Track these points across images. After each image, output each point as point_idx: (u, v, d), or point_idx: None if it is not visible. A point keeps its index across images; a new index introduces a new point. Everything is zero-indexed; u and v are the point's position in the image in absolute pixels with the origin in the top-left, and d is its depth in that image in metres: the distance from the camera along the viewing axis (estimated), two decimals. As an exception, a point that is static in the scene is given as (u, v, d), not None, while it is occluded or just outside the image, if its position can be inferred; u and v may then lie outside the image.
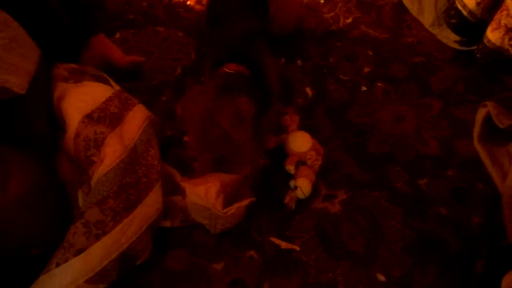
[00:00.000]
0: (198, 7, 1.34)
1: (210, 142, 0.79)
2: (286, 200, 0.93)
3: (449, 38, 1.23)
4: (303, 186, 0.91)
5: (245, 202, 0.85)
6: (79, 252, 0.74)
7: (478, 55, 1.11)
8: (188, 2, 1.36)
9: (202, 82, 1.13)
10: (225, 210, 0.82)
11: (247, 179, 0.90)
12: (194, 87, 0.82)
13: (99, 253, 0.74)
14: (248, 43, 0.91)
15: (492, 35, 1.03)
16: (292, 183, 0.94)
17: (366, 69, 1.20)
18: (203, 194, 0.81)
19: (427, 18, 1.28)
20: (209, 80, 0.86)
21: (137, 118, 0.91)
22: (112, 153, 0.81)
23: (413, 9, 1.32)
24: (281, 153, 0.98)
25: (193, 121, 0.79)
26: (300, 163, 0.95)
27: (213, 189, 0.81)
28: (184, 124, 0.82)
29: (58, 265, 0.73)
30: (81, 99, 0.88)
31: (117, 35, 1.27)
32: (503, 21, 1.00)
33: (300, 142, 0.96)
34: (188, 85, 0.84)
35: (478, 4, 1.06)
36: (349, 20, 1.32)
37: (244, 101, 0.77)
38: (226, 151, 0.82)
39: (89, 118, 0.85)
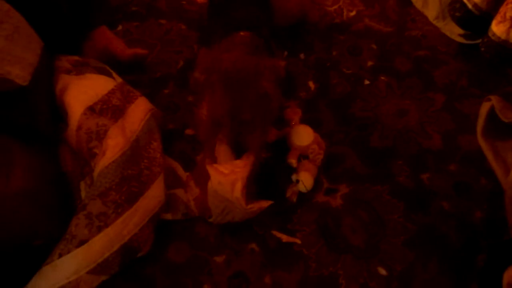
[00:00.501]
0: (200, 0, 1.34)
1: (244, 103, 0.76)
2: (288, 193, 0.93)
3: (454, 31, 1.22)
4: (305, 180, 0.91)
5: (266, 204, 0.86)
6: (81, 243, 0.74)
7: (482, 49, 1.10)
8: (191, -5, 1.35)
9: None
10: (248, 206, 0.82)
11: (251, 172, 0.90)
12: (206, 48, 0.79)
13: (101, 245, 0.75)
14: (256, 26, 0.91)
15: (497, 28, 1.02)
16: (294, 177, 0.93)
17: (370, 63, 1.19)
18: (229, 186, 0.80)
19: (431, 11, 1.27)
20: (226, 41, 0.83)
21: (139, 110, 0.91)
22: (114, 145, 0.81)
23: (417, 2, 1.31)
24: (283, 146, 0.98)
25: (227, 79, 0.74)
26: (302, 156, 0.95)
27: (240, 184, 0.81)
28: (206, 86, 0.77)
29: (60, 256, 0.73)
30: (83, 91, 0.88)
31: (120, 28, 1.27)
32: (508, 14, 0.99)
33: (302, 136, 0.96)
34: (201, 51, 0.80)
35: (483, -3, 1.05)
36: (352, 13, 1.31)
37: (282, 64, 0.76)
38: (258, 113, 0.80)
39: (91, 110, 0.85)
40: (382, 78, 1.15)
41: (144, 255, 0.83)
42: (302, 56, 1.20)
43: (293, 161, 0.94)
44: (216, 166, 0.85)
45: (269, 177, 0.95)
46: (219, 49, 0.80)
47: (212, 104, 0.78)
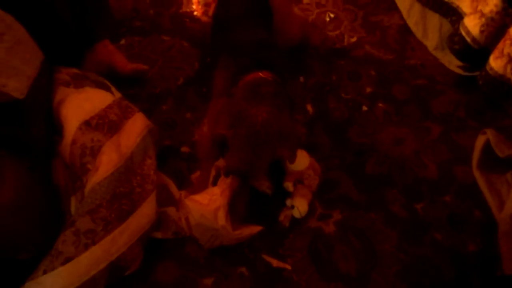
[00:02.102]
0: (204, 18, 1.35)
1: (262, 160, 0.80)
2: (281, 217, 0.92)
3: (452, 62, 1.23)
4: (300, 206, 0.91)
5: (256, 229, 0.87)
6: (67, 260, 0.73)
7: (480, 82, 1.11)
8: (195, 13, 1.37)
9: (205, 93, 1.13)
10: (236, 232, 0.83)
11: (243, 194, 0.89)
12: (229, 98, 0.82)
13: (87, 263, 0.74)
14: (269, 53, 0.92)
15: (495, 63, 1.03)
16: (289, 202, 0.93)
17: (368, 89, 1.20)
18: (212, 216, 0.81)
19: (431, 41, 1.29)
20: (249, 88, 0.85)
21: (136, 126, 0.91)
22: (107, 162, 0.81)
23: (417, 31, 1.32)
24: (276, 169, 0.97)
25: (253, 138, 0.77)
26: (298, 181, 0.95)
27: (222, 212, 0.81)
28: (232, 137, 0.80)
29: (45, 272, 0.72)
30: (80, 105, 0.87)
31: (122, 41, 1.28)
32: (506, 50, 1.00)
33: (299, 161, 0.95)
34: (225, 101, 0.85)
35: (481, 32, 1.06)
36: (353, 39, 1.33)
37: (303, 131, 0.88)
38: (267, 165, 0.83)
39: (87, 125, 0.84)
40: (380, 105, 1.16)
41: (132, 274, 0.81)
42: (301, 79, 1.21)
43: (289, 185, 0.93)
44: (193, 198, 0.85)
45: (262, 200, 0.95)
46: (243, 98, 0.81)
47: (233, 155, 0.80)
